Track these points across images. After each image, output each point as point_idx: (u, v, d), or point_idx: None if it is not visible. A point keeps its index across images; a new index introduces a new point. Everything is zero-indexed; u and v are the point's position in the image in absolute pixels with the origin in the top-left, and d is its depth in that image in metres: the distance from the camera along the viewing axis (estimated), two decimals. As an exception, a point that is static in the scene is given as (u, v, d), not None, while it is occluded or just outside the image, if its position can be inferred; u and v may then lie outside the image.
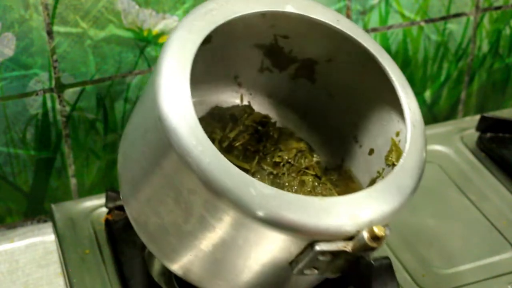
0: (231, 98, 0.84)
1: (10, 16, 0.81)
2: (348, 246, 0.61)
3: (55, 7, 0.82)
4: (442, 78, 1.04)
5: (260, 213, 0.60)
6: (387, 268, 0.63)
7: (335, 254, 0.62)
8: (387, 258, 0.63)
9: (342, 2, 0.93)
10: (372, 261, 0.62)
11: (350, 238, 0.62)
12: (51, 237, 0.89)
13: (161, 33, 0.88)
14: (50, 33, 0.83)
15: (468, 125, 1.00)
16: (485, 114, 0.97)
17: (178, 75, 0.64)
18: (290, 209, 0.61)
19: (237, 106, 0.83)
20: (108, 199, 0.84)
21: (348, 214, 0.62)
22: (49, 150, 0.90)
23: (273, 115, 0.84)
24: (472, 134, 0.98)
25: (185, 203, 0.64)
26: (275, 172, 0.79)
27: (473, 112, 1.09)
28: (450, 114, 1.08)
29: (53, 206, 0.87)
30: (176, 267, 0.69)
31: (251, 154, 0.80)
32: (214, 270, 0.68)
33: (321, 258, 0.62)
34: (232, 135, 0.80)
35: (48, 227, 0.91)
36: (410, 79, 1.02)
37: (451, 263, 0.81)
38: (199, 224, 0.64)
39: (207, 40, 0.74)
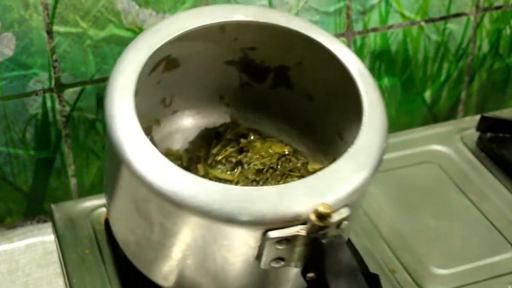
0: (221, 119, 0.85)
1: (10, 16, 0.81)
2: (302, 231, 0.61)
3: (55, 7, 0.82)
4: (442, 78, 1.04)
5: (205, 209, 0.61)
6: (339, 245, 0.62)
7: (291, 240, 0.62)
8: (338, 236, 0.62)
9: (342, 2, 0.93)
10: (323, 240, 0.61)
11: (305, 222, 0.62)
12: (51, 237, 0.89)
13: (161, 33, 0.87)
14: (50, 33, 0.83)
15: (468, 125, 1.00)
16: (485, 114, 0.97)
17: (124, 93, 0.67)
18: (235, 201, 0.62)
19: (224, 124, 0.84)
20: (108, 199, 0.84)
21: (300, 198, 0.62)
22: (49, 150, 0.90)
23: (264, 129, 0.85)
24: (472, 134, 0.98)
25: (144, 212, 0.66)
26: (258, 179, 0.79)
27: (473, 112, 1.09)
28: (450, 114, 1.08)
29: (53, 206, 0.87)
30: (162, 280, 0.71)
31: (234, 166, 0.81)
32: (192, 278, 0.69)
33: (279, 246, 0.62)
34: (214, 151, 0.82)
35: (48, 227, 0.91)
36: (410, 79, 1.02)
37: (451, 263, 0.81)
38: (162, 232, 0.66)
39: (175, 65, 0.78)
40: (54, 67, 0.85)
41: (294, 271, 0.67)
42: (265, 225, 0.61)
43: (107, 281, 0.78)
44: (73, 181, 0.93)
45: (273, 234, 0.61)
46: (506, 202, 0.89)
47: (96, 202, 0.87)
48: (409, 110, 1.05)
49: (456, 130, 1.00)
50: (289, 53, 0.79)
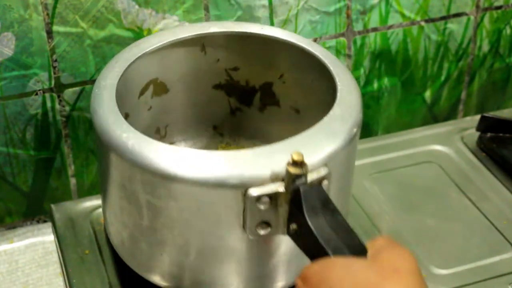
0: (218, 149, 0.88)
1: (9, 16, 0.81)
2: (281, 187, 0.63)
3: (54, 7, 0.82)
4: (442, 78, 1.04)
5: (184, 175, 0.63)
6: (316, 190, 0.63)
7: (272, 197, 0.63)
8: (316, 184, 0.64)
9: (342, 2, 0.93)
10: (301, 188, 0.63)
11: (283, 180, 0.63)
12: (50, 237, 0.89)
13: (161, 33, 0.88)
14: (49, 32, 0.83)
15: (468, 125, 1.00)
16: (485, 114, 0.97)
17: (107, 92, 0.71)
18: (212, 164, 0.64)
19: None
20: (107, 199, 0.84)
21: (276, 157, 0.64)
22: (49, 150, 0.90)
23: None
24: (472, 134, 0.98)
25: (132, 196, 0.68)
26: None
27: (473, 112, 1.09)
28: (450, 114, 1.08)
29: (52, 206, 0.87)
30: (159, 279, 0.72)
31: None
32: (189, 265, 0.69)
33: (261, 206, 0.63)
34: None
35: (47, 227, 0.91)
36: (410, 79, 1.02)
37: (451, 263, 0.81)
38: (150, 212, 0.67)
39: (164, 90, 0.81)
40: (54, 67, 0.85)
41: (288, 252, 0.68)
42: (244, 185, 0.63)
43: (107, 281, 0.78)
44: (73, 181, 0.93)
45: (253, 191, 0.63)
46: (506, 202, 0.89)
47: (96, 202, 0.87)
48: (409, 110, 1.05)
49: (456, 130, 1.00)
50: (270, 67, 0.82)
